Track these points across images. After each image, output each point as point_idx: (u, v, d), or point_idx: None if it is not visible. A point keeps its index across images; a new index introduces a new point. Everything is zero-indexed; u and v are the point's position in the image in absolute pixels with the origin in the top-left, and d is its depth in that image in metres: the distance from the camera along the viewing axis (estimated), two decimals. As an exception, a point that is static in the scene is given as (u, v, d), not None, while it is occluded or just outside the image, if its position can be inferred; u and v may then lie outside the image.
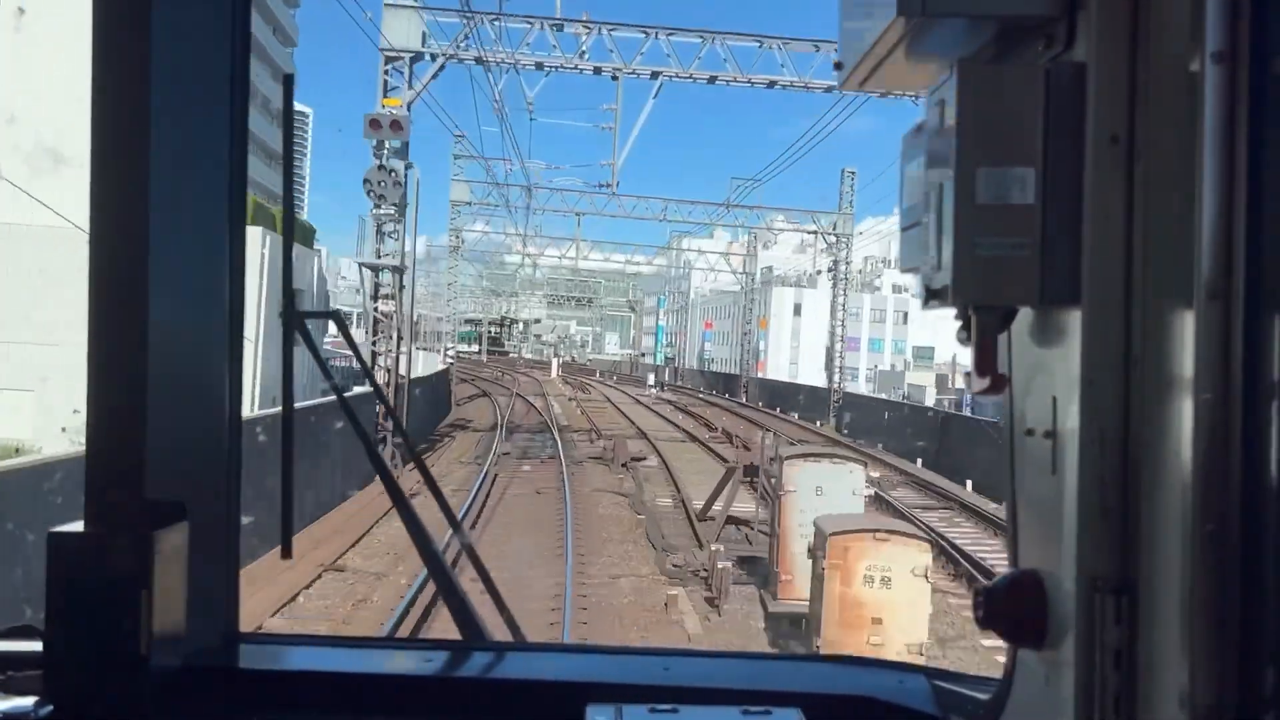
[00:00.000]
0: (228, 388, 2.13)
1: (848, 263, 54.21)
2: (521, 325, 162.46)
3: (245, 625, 2.26)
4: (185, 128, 1.99)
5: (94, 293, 1.85)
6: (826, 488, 15.28)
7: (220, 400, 2.12)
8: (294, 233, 2.27)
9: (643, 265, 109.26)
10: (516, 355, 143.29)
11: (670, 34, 31.31)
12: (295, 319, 2.15)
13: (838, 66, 1.76)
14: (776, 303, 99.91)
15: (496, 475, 26.98)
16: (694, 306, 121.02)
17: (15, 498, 11.53)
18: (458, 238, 67.17)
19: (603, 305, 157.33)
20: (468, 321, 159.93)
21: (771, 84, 31.79)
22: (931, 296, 1.51)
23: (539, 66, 31.38)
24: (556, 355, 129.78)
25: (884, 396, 58.07)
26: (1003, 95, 1.41)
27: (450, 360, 60.49)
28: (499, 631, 2.40)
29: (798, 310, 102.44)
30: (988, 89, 1.42)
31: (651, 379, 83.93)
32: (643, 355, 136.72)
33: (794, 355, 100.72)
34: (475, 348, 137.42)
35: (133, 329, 1.84)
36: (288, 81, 2.22)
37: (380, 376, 28.67)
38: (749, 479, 21.74)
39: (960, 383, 51.06)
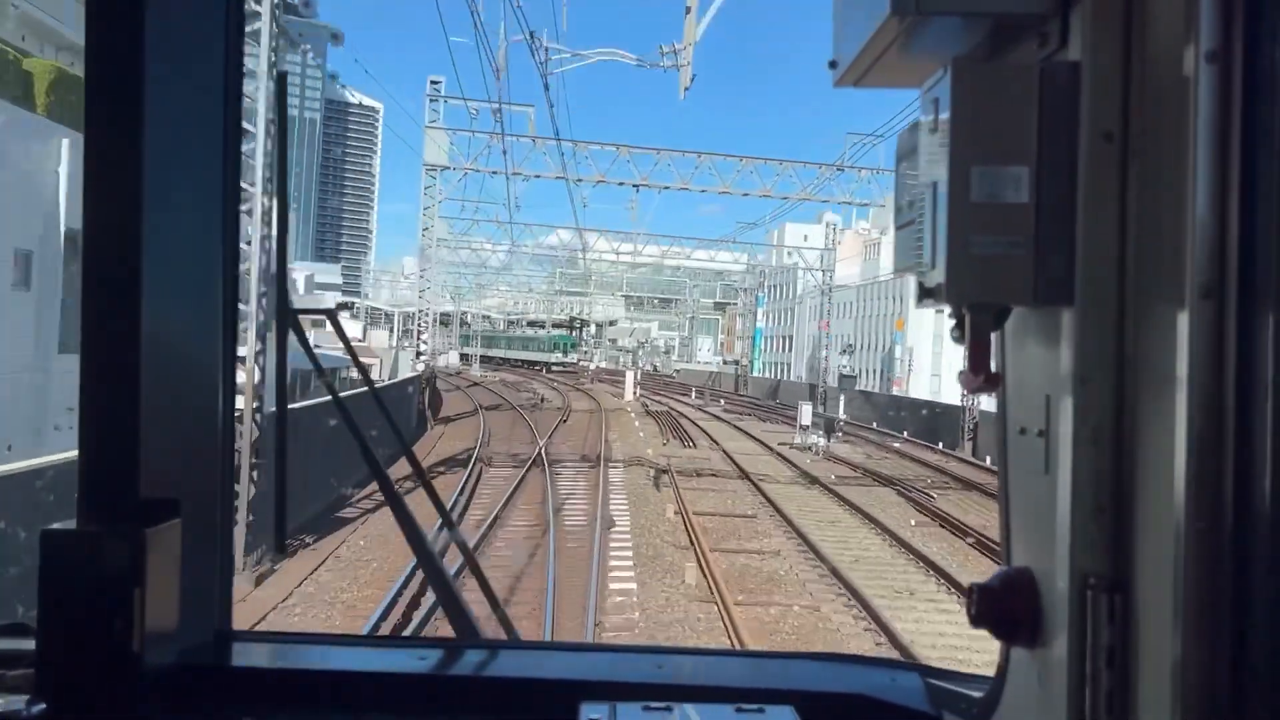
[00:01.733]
0: (221, 385, 2.13)
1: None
2: (594, 328, 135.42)
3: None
4: (178, 128, 1.99)
5: (88, 291, 1.86)
6: None
7: (214, 398, 2.12)
8: (287, 231, 2.27)
9: (730, 263, 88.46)
10: (587, 364, 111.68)
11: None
12: (289, 315, 2.16)
13: (832, 64, 1.76)
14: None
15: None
16: (802, 304, 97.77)
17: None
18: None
19: (695, 303, 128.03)
20: (531, 324, 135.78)
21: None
22: (925, 295, 1.51)
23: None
24: (634, 364, 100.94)
25: None
26: (997, 93, 1.41)
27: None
28: (493, 629, 2.40)
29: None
30: (982, 87, 1.42)
31: (806, 415, 40.89)
32: (741, 364, 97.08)
33: (935, 365, 73.06)
34: (554, 356, 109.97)
35: (127, 327, 1.85)
36: (281, 79, 2.22)
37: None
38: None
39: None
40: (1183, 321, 1.25)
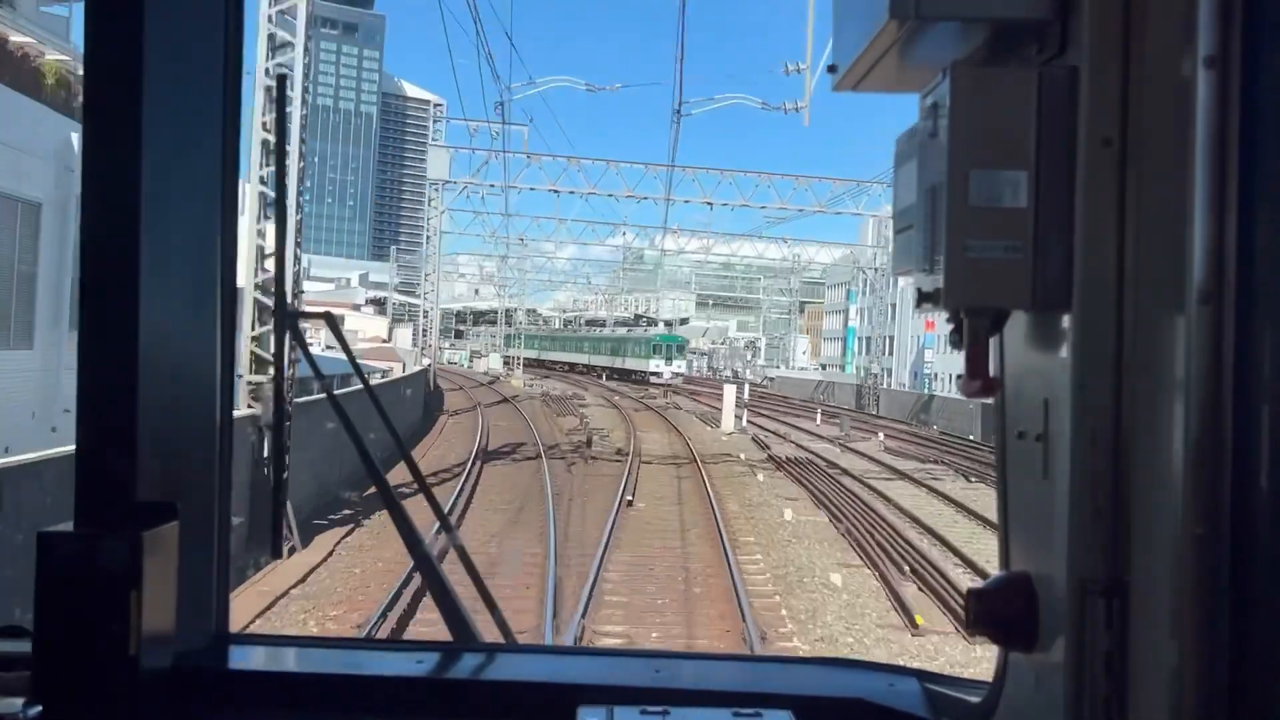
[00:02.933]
0: (218, 388, 2.13)
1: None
2: (662, 326, 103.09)
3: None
4: (177, 129, 1.99)
5: (85, 292, 1.86)
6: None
7: (211, 401, 2.12)
8: (286, 233, 2.27)
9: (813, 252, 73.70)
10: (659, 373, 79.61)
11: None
12: (288, 318, 2.16)
13: (831, 69, 1.77)
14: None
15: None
16: (903, 299, 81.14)
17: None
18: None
19: (795, 291, 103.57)
20: (590, 323, 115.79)
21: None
22: (924, 299, 1.51)
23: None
24: (714, 370, 78.66)
25: None
26: (996, 98, 1.42)
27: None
28: (490, 633, 2.39)
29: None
30: (981, 92, 1.42)
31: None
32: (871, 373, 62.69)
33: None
34: (651, 363, 78.34)
35: (124, 329, 1.85)
36: (280, 81, 2.24)
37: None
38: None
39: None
40: (1181, 326, 1.25)
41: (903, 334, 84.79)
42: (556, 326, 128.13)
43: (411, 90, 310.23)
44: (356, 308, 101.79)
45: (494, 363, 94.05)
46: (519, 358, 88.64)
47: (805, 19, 29.55)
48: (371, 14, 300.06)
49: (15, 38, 22.56)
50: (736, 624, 13.90)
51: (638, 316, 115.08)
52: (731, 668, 2.40)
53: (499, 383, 74.88)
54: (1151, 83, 1.33)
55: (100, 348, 1.87)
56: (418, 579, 12.18)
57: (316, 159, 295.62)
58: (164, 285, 1.94)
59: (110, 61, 1.85)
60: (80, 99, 1.87)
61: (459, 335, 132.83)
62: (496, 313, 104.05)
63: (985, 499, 24.46)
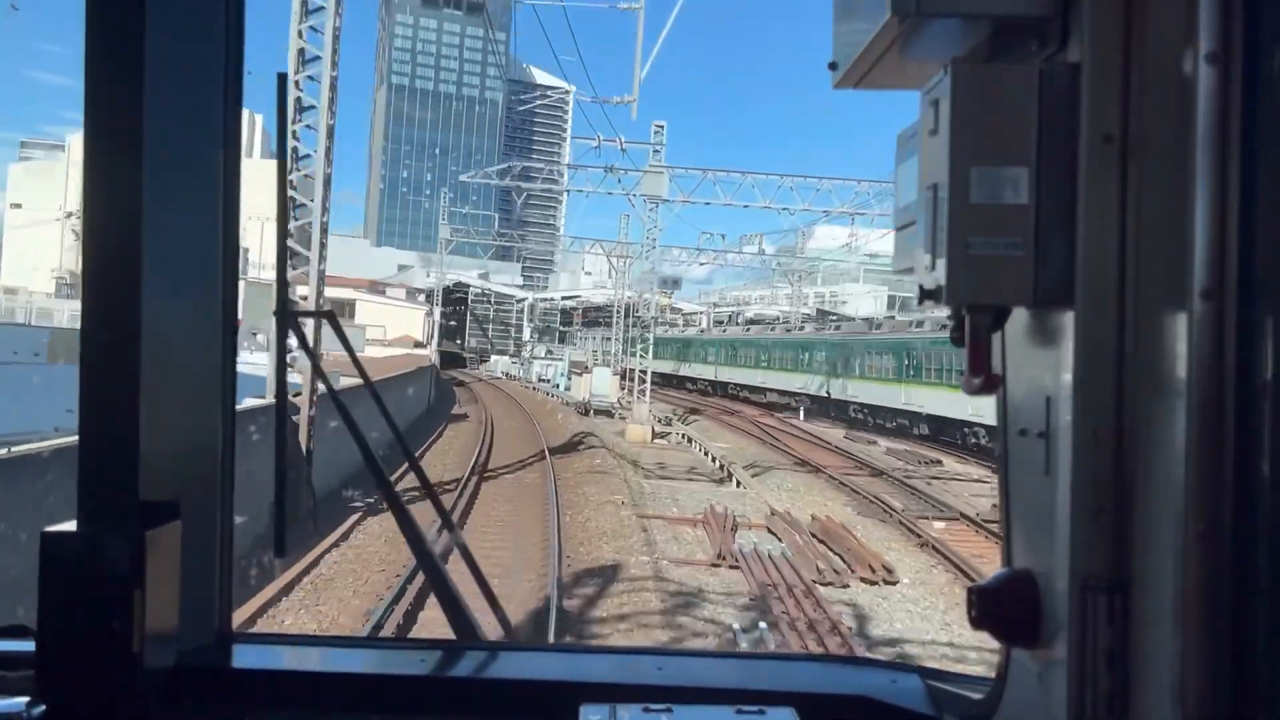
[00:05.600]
0: (221, 387, 2.13)
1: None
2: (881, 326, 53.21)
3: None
4: (178, 128, 1.99)
5: (88, 292, 1.85)
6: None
7: (214, 400, 2.12)
8: (288, 231, 2.26)
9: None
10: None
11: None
12: (289, 317, 2.16)
13: (832, 66, 1.77)
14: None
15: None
16: None
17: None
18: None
19: None
20: (752, 322, 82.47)
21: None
22: (925, 296, 1.51)
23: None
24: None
25: None
26: (997, 95, 1.42)
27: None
28: (493, 631, 2.39)
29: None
30: (982, 89, 1.43)
31: None
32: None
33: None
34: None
35: (126, 329, 1.85)
36: (281, 80, 2.23)
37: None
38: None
39: None
40: (1183, 323, 1.25)
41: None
42: (704, 326, 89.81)
43: (540, 77, 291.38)
44: (382, 292, 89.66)
45: (600, 384, 53.30)
46: (644, 375, 46.30)
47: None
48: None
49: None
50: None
51: (822, 313, 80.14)
52: (734, 665, 2.40)
53: (599, 431, 38.67)
54: (1153, 79, 1.33)
55: (103, 347, 1.87)
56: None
57: (438, 150, 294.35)
58: (166, 284, 1.94)
59: (111, 61, 1.85)
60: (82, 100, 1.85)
61: (562, 339, 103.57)
62: (604, 309, 72.32)
63: None
